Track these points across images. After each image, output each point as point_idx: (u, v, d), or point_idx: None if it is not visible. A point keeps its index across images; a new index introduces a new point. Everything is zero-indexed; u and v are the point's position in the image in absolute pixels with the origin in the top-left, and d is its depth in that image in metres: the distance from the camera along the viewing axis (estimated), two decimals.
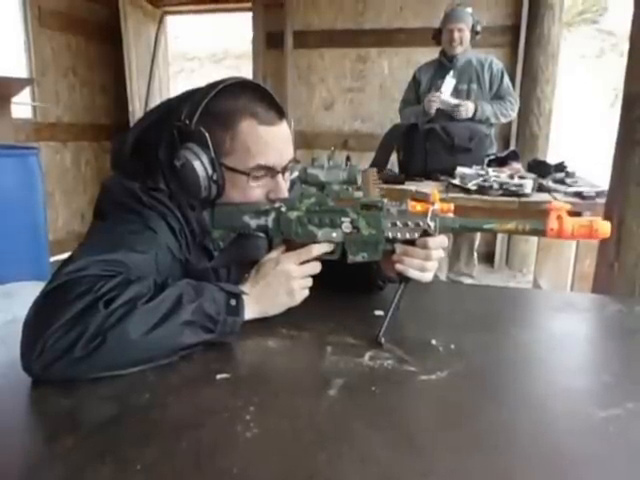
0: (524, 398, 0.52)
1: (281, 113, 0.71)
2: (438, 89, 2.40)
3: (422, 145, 2.17)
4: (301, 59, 3.66)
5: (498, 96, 2.45)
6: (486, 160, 2.19)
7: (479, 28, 2.40)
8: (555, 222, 0.58)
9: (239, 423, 0.46)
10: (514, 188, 1.75)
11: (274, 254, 0.70)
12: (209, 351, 0.61)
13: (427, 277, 0.67)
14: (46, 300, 0.55)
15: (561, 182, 1.92)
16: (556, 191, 1.79)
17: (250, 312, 0.65)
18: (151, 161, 0.71)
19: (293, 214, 0.69)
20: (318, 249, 0.69)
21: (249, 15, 3.73)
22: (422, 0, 3.39)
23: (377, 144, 2.32)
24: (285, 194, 0.73)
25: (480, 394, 0.53)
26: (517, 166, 2.15)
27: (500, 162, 2.24)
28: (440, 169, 2.08)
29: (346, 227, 0.68)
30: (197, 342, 0.59)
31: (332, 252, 0.70)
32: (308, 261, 0.69)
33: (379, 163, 2.12)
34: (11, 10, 3.16)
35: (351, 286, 0.77)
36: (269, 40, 3.65)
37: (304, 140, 3.74)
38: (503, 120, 2.48)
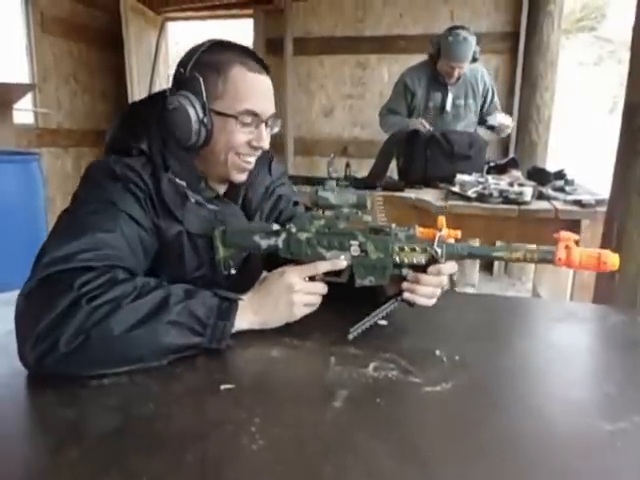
0: (529, 410, 0.52)
1: (266, 69, 0.77)
2: (436, 103, 2.40)
3: (422, 152, 2.17)
4: (301, 66, 3.68)
5: (491, 109, 2.47)
6: (485, 167, 2.20)
7: (477, 56, 2.33)
8: (563, 252, 0.58)
9: (244, 435, 0.46)
10: (514, 196, 1.75)
11: (282, 268, 0.71)
12: (212, 360, 0.61)
13: (433, 302, 0.69)
14: (31, 299, 0.58)
15: (561, 190, 1.92)
16: (556, 199, 1.80)
17: (247, 322, 0.66)
18: (138, 125, 0.74)
19: (303, 235, 0.71)
20: (324, 266, 0.69)
21: (249, 22, 3.76)
22: (422, 7, 3.42)
23: (376, 151, 2.32)
24: (266, 144, 0.76)
25: (485, 406, 0.53)
26: (517, 174, 2.16)
27: (499, 169, 2.25)
28: (440, 176, 2.09)
29: (354, 250, 0.69)
30: (186, 344, 0.59)
31: (339, 274, 0.70)
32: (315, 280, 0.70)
33: (379, 170, 2.12)
34: (13, 16, 3.17)
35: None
36: (269, 46, 3.68)
37: (303, 146, 3.76)
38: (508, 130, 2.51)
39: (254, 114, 0.74)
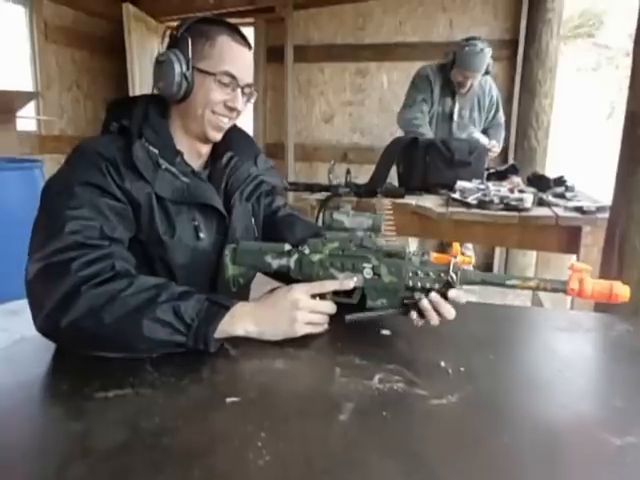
0: (536, 424, 0.52)
1: (249, 45, 0.85)
2: (444, 109, 2.43)
3: (422, 159, 2.18)
4: (301, 73, 3.70)
5: (493, 123, 2.51)
6: (485, 174, 2.20)
7: (490, 69, 2.37)
8: (576, 283, 0.60)
9: (251, 450, 0.46)
10: (514, 203, 1.76)
11: (291, 285, 0.71)
12: (217, 372, 0.61)
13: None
14: (35, 284, 0.65)
15: (561, 196, 1.92)
16: (556, 205, 1.80)
17: (244, 330, 0.67)
18: (124, 106, 0.82)
19: (315, 257, 0.71)
20: (333, 285, 0.70)
21: (250, 30, 3.78)
22: (421, 15, 3.44)
23: (376, 157, 2.33)
24: (240, 106, 0.82)
25: (492, 419, 0.52)
26: (517, 180, 2.16)
27: (499, 176, 2.25)
28: (440, 183, 2.09)
29: (367, 273, 0.69)
30: (170, 341, 0.63)
31: (350, 295, 0.70)
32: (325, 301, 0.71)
33: (379, 177, 2.13)
34: (18, 25, 3.20)
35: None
36: (270, 54, 3.70)
37: (303, 153, 3.77)
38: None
39: (232, 77, 0.80)
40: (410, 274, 0.67)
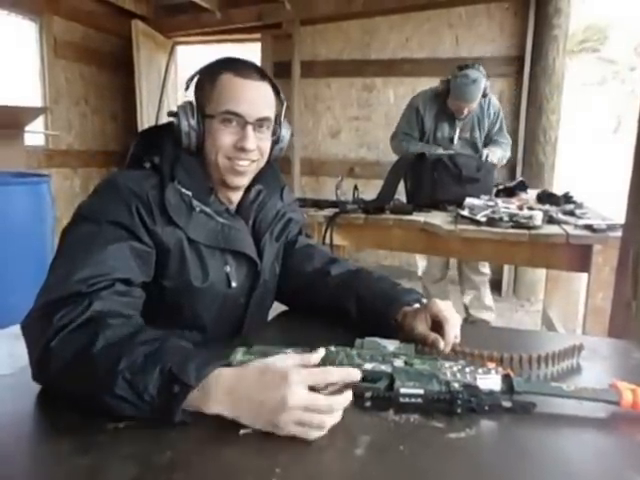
0: (557, 458, 0.50)
1: (263, 75, 0.79)
2: (444, 133, 2.42)
3: (430, 175, 2.17)
4: (308, 88, 3.73)
5: (494, 138, 2.48)
6: (494, 190, 2.20)
7: (487, 92, 2.35)
8: (629, 394, 0.57)
9: None
10: (524, 220, 1.74)
11: (285, 363, 0.55)
12: None
13: None
14: (28, 332, 0.63)
15: (570, 214, 1.91)
16: (566, 223, 1.78)
17: (216, 410, 0.53)
18: (154, 142, 0.79)
19: (341, 352, 0.64)
20: (337, 373, 0.55)
21: (257, 45, 3.83)
22: (427, 32, 3.48)
23: (383, 171, 2.33)
24: (250, 145, 0.76)
25: (512, 454, 0.51)
26: (525, 196, 2.16)
27: (508, 192, 2.25)
28: (448, 199, 2.09)
29: (397, 363, 0.63)
30: (137, 415, 0.55)
31: (370, 386, 0.59)
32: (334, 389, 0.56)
33: (387, 194, 2.12)
34: (28, 40, 3.26)
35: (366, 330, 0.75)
36: (277, 69, 3.74)
37: (310, 167, 3.79)
38: (503, 162, 2.52)
39: (236, 115, 0.75)
40: (447, 365, 0.62)
